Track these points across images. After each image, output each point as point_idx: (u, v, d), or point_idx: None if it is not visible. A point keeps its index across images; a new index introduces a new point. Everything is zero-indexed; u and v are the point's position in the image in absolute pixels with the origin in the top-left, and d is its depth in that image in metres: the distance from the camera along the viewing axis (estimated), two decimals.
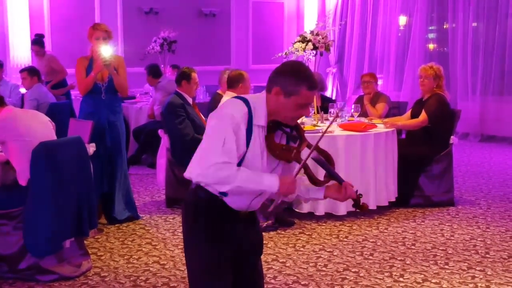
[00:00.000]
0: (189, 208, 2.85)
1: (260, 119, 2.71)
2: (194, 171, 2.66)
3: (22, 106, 7.81)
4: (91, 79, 5.84)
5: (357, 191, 2.86)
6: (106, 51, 5.75)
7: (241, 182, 2.61)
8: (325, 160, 2.85)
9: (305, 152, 2.77)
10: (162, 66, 10.29)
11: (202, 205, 2.78)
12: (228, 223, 2.82)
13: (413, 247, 5.32)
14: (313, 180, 2.80)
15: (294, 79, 2.70)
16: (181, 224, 5.41)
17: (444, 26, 12.00)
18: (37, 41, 9.50)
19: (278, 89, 2.70)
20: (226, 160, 2.60)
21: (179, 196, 6.45)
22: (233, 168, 2.62)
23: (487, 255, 5.09)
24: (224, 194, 2.71)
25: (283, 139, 2.84)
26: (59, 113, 7.41)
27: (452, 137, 6.69)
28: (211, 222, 2.80)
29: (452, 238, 5.55)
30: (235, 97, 2.80)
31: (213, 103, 6.90)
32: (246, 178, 2.63)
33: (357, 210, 2.92)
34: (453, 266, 4.85)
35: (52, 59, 9.53)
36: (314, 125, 6.41)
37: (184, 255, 2.93)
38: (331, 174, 2.83)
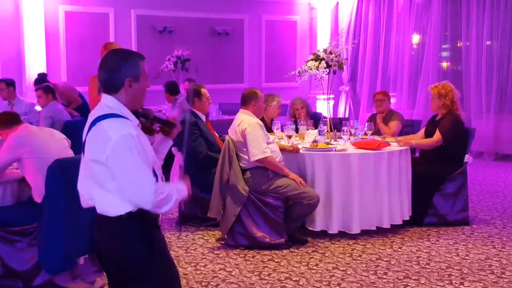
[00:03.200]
0: (134, 235, 2.83)
1: (134, 119, 2.84)
2: (145, 203, 2.72)
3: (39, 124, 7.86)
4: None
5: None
6: None
7: (175, 196, 2.82)
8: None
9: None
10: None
11: (145, 226, 2.85)
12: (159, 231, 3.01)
13: (427, 266, 5.28)
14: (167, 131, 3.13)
15: (132, 62, 2.82)
16: (193, 242, 5.41)
17: (458, 45, 11.99)
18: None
19: (129, 79, 2.80)
20: (156, 183, 2.73)
21: (192, 214, 6.47)
22: (163, 184, 2.81)
23: (503, 275, 5.04)
24: None
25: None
26: (74, 131, 7.43)
27: (466, 155, 6.66)
28: (158, 237, 2.95)
29: (467, 257, 5.51)
30: (108, 115, 2.75)
31: None
32: (174, 192, 2.83)
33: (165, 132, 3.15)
34: (468, 286, 4.80)
35: (68, 92, 9.42)
36: (328, 143, 6.41)
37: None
38: (165, 122, 3.12)
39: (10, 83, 8.72)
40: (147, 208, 2.74)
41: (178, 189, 2.89)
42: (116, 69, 2.79)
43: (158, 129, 3.05)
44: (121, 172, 2.68)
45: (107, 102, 2.81)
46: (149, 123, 2.98)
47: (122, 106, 2.80)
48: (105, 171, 2.71)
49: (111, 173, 2.69)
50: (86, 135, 2.79)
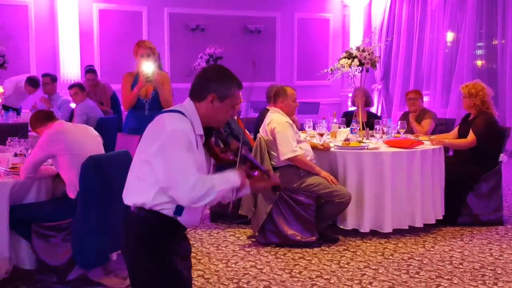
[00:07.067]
0: (141, 234, 2.82)
1: (199, 129, 2.81)
2: (181, 198, 2.69)
3: (70, 120, 7.96)
4: (134, 95, 5.94)
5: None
6: (148, 67, 5.84)
7: (219, 187, 2.73)
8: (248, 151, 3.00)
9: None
10: None
11: (155, 230, 2.80)
12: (180, 242, 2.95)
13: (460, 266, 5.23)
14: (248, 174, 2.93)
15: (226, 83, 2.84)
16: (225, 239, 5.43)
17: (493, 42, 11.83)
18: (92, 70, 9.58)
19: (213, 95, 2.80)
20: (199, 174, 2.70)
21: (223, 211, 6.48)
22: (206, 178, 2.73)
23: None
24: (179, 213, 2.79)
25: (216, 142, 2.97)
26: (107, 128, 7.52)
27: (501, 155, 6.57)
28: (168, 246, 2.85)
29: (501, 258, 5.44)
30: (174, 110, 2.82)
31: (261, 118, 6.92)
32: (219, 182, 2.75)
33: (277, 191, 3.06)
34: (502, 287, 4.75)
35: (106, 92, 9.53)
36: (360, 142, 6.38)
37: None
38: (256, 165, 2.96)
39: (55, 79, 9.21)
40: (183, 204, 2.73)
41: (227, 178, 2.80)
42: (209, 80, 2.83)
43: (231, 158, 2.93)
44: (164, 164, 2.68)
45: (185, 104, 2.85)
46: (219, 149, 2.91)
47: (196, 114, 2.82)
48: (144, 159, 2.75)
49: (153, 163, 2.71)
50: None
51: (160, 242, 2.81)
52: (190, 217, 2.86)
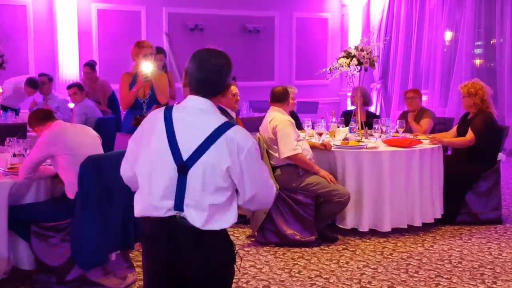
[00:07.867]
0: (226, 253, 2.70)
1: None
2: (269, 202, 2.79)
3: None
4: (133, 95, 5.94)
5: None
6: (147, 67, 5.83)
7: None
8: None
9: None
10: None
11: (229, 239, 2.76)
12: None
13: (459, 265, 5.23)
14: None
15: (232, 68, 2.69)
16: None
17: (491, 41, 11.83)
18: (89, 64, 9.51)
19: (228, 84, 2.69)
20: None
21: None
22: None
23: None
24: None
25: None
26: (105, 128, 7.53)
27: (499, 154, 6.58)
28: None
29: (500, 256, 5.45)
30: (229, 123, 2.59)
31: None
32: None
33: None
34: (501, 286, 4.75)
35: (104, 90, 9.46)
36: (358, 141, 6.38)
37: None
38: None
39: (51, 79, 9.19)
40: (267, 207, 2.80)
41: None
42: (223, 73, 2.65)
43: None
44: (257, 180, 2.62)
45: (206, 107, 2.63)
46: None
47: (218, 112, 2.65)
48: (221, 186, 2.56)
49: (240, 183, 2.59)
50: (207, 143, 2.54)
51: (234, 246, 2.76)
52: None
